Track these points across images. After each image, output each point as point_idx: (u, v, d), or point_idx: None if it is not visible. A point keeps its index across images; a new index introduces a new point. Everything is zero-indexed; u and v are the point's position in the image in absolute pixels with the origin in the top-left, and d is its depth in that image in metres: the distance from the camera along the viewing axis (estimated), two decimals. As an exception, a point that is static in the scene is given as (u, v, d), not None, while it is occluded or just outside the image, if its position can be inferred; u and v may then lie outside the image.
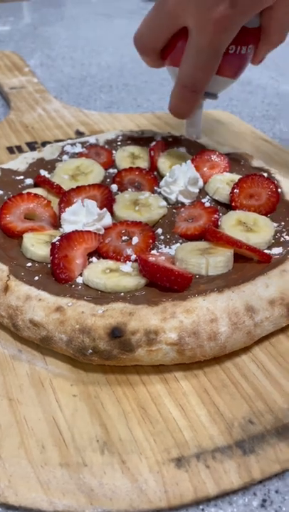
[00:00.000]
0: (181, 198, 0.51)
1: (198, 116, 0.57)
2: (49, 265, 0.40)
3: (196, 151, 0.57)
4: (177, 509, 0.29)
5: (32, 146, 0.67)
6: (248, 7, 0.44)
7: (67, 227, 0.44)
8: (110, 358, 0.34)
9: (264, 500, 0.30)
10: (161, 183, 0.52)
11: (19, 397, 0.33)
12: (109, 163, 0.57)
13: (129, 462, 0.30)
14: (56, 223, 0.47)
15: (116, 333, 0.34)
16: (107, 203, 0.48)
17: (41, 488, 0.29)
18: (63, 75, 1.00)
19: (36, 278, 0.39)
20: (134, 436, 0.31)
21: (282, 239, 0.45)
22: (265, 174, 0.53)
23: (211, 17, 0.43)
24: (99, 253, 0.43)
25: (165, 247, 0.45)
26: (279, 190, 0.51)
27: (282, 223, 0.47)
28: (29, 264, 0.41)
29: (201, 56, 0.46)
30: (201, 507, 0.29)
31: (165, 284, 0.38)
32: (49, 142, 0.68)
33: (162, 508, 0.29)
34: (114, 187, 0.53)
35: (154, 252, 0.43)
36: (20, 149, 0.66)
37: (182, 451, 0.31)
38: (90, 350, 0.34)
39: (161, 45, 0.50)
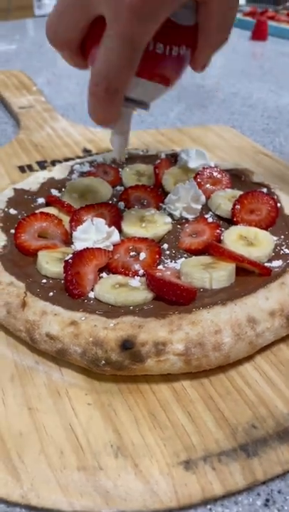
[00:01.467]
0: (185, 214, 0.53)
1: (125, 128, 0.46)
2: (62, 281, 0.43)
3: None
4: (186, 509, 0.31)
5: (42, 165, 0.70)
6: None
7: (78, 245, 0.47)
8: (122, 368, 0.37)
9: (267, 500, 0.32)
10: (166, 200, 0.55)
11: (38, 406, 0.36)
12: (117, 181, 0.60)
13: (141, 465, 0.32)
14: (68, 240, 0.50)
15: (127, 345, 0.37)
16: (115, 220, 0.51)
17: (61, 490, 0.31)
18: (69, 93, 1.04)
19: (51, 294, 0.42)
20: (145, 441, 0.34)
21: (281, 252, 0.48)
22: (265, 189, 0.56)
23: (125, 1, 0.35)
24: (108, 269, 0.46)
25: (171, 261, 0.47)
26: (278, 204, 0.53)
27: (282, 237, 0.50)
28: (44, 280, 0.44)
29: (115, 49, 0.37)
30: (208, 506, 0.32)
31: (171, 298, 0.40)
32: (58, 161, 0.71)
33: (173, 508, 0.31)
34: (121, 204, 0.55)
35: (160, 266, 0.46)
36: (30, 168, 0.69)
37: (190, 454, 0.33)
38: (103, 362, 0.37)
39: (76, 36, 0.40)
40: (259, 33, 1.57)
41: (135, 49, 0.37)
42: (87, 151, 0.74)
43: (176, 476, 0.32)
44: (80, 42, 0.40)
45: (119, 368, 0.37)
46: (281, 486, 0.33)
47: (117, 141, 0.47)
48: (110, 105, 0.40)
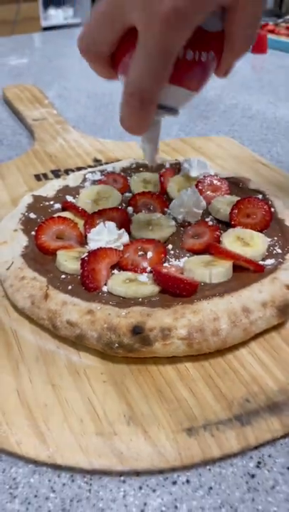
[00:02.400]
0: (188, 218, 0.59)
1: (155, 135, 0.49)
2: (79, 277, 0.49)
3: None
4: (189, 468, 0.37)
5: (56, 174, 0.76)
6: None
7: (92, 245, 0.53)
8: (132, 350, 0.42)
9: (259, 462, 0.37)
10: (171, 205, 0.60)
11: (60, 383, 0.41)
12: (125, 188, 0.66)
13: (150, 432, 0.38)
14: (82, 241, 0.56)
15: (137, 330, 0.42)
16: (125, 223, 0.56)
17: (82, 451, 0.36)
18: (80, 106, 1.10)
19: (70, 287, 0.47)
20: (153, 412, 0.39)
21: (274, 251, 0.53)
22: (261, 196, 0.62)
23: (159, 11, 0.36)
24: (119, 266, 0.51)
25: (175, 260, 0.53)
26: (272, 209, 0.59)
27: (275, 238, 0.55)
28: (63, 276, 0.49)
29: (149, 59, 0.38)
30: (208, 467, 0.37)
31: (175, 291, 0.46)
32: (71, 170, 0.77)
33: (177, 467, 0.36)
34: (130, 209, 0.61)
35: (165, 264, 0.52)
36: (46, 176, 0.75)
37: (192, 423, 0.38)
38: (116, 345, 0.42)
39: (108, 48, 0.42)
40: (259, 47, 1.63)
41: (168, 57, 0.38)
42: (97, 161, 0.80)
43: (180, 441, 0.37)
44: (111, 53, 0.42)
45: (130, 351, 0.42)
46: (271, 451, 0.38)
47: (147, 148, 0.50)
48: (144, 114, 0.41)
